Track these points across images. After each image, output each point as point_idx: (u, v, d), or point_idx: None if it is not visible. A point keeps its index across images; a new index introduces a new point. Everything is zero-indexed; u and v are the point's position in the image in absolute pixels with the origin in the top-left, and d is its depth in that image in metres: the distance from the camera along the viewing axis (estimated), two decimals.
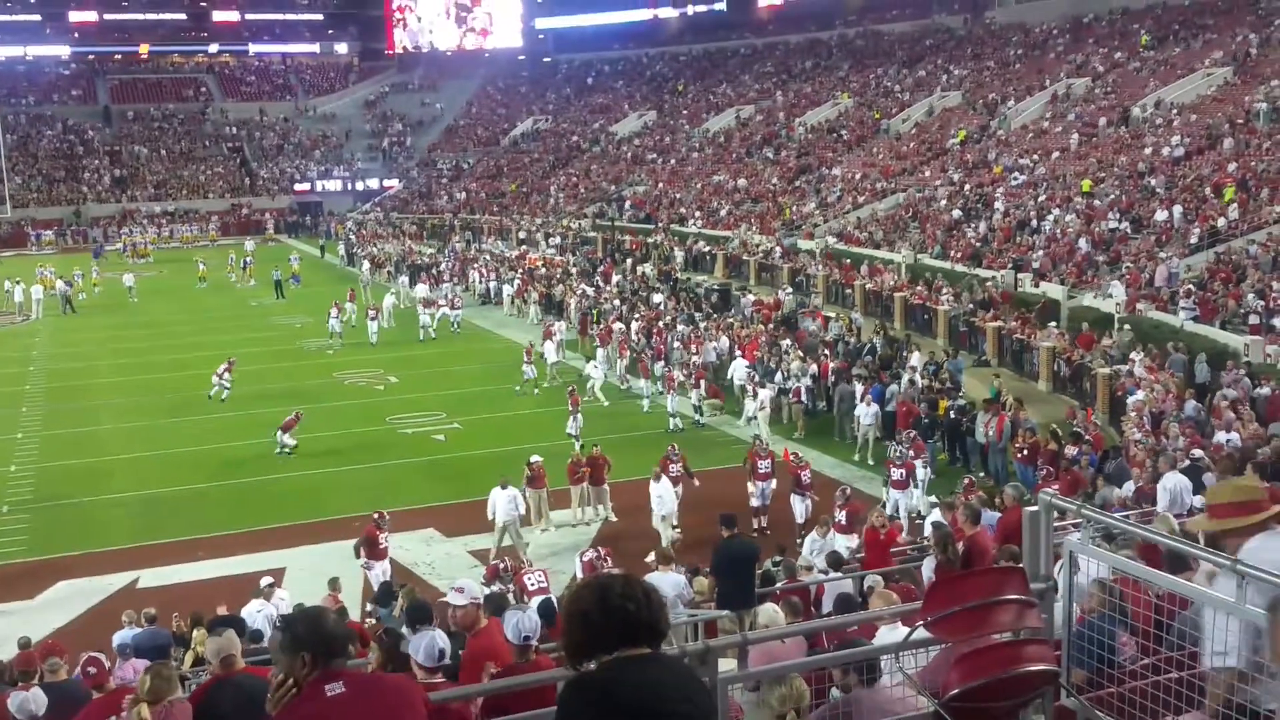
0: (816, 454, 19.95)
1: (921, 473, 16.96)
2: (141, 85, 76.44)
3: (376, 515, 15.11)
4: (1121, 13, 48.85)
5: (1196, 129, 33.50)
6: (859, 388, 21.46)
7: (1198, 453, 13.68)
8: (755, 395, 21.69)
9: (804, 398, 22.24)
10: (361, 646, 7.47)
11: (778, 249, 36.87)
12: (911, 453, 17.00)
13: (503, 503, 16.00)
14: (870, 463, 19.59)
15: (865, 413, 20.16)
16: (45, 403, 26.46)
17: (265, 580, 12.91)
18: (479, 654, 5.32)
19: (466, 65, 78.92)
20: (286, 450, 21.20)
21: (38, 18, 74.94)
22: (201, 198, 65.97)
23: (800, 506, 16.54)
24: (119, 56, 78.70)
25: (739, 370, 23.68)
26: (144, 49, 77.68)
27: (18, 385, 28.21)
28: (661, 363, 25.18)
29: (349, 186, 68.01)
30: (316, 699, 2.97)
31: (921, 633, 3.56)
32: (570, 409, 21.05)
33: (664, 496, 16.49)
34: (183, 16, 79.09)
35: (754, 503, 16.98)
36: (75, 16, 76.02)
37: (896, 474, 16.57)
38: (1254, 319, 21.24)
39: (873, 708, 4.08)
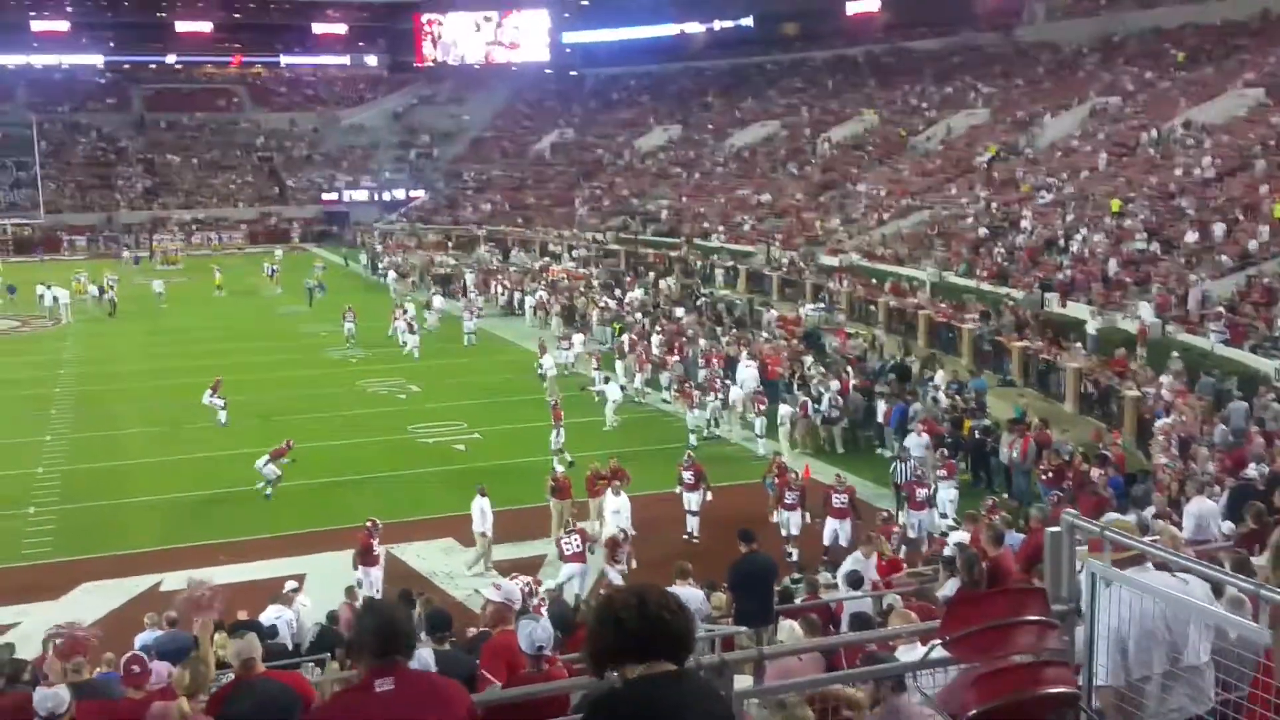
0: (845, 472, 19.73)
1: (949, 493, 16.77)
2: (174, 95, 77.34)
3: (369, 523, 14.97)
4: (1153, 32, 48.53)
5: (1228, 151, 33.19)
6: (881, 405, 21.27)
7: (1251, 472, 13.44)
8: (760, 413, 21.71)
9: (810, 411, 21.92)
10: None
11: (802, 264, 36.85)
12: (943, 473, 16.81)
13: (487, 510, 16.00)
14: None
15: (916, 444, 19.03)
16: (74, 406, 26.74)
17: (290, 585, 12.95)
18: (499, 648, 5.40)
19: (493, 78, 79.42)
20: (270, 483, 19.19)
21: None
22: (231, 206, 66.80)
23: (829, 529, 16.04)
24: (154, 66, 79.81)
25: (748, 384, 23.53)
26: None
27: (47, 388, 28.54)
28: (667, 374, 25.43)
29: (376, 197, 68.55)
30: (366, 692, 3.07)
31: (940, 652, 3.54)
32: (553, 423, 21.03)
33: (621, 511, 15.84)
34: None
35: (783, 531, 16.32)
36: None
37: (921, 494, 16.37)
38: None
39: None
